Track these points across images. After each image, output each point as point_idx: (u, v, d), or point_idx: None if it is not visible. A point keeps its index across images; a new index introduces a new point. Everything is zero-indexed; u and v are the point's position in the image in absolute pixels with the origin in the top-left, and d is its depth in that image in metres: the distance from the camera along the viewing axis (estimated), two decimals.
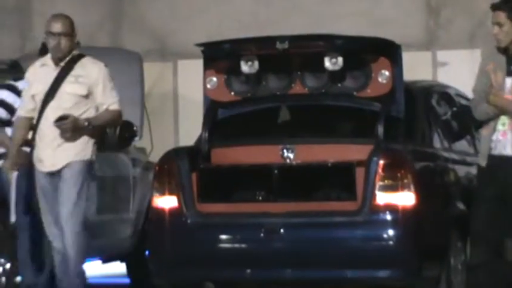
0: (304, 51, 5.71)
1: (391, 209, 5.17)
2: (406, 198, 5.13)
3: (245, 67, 5.60)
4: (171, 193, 5.61)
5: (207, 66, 5.83)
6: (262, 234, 5.37)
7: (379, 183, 5.13)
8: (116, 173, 7.28)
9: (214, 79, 5.83)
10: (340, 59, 5.39)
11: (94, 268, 7.80)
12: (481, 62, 5.39)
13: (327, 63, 5.43)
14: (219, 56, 5.95)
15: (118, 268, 7.74)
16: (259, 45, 5.85)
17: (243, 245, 5.61)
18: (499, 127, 5.04)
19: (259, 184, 5.61)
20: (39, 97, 5.69)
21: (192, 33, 10.12)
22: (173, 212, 5.56)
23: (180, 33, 10.70)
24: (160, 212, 5.68)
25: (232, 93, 5.84)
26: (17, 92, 6.47)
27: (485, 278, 5.20)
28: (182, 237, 5.59)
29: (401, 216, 5.19)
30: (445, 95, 6.44)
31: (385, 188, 5.16)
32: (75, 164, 5.61)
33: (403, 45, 5.74)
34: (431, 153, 5.79)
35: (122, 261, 7.50)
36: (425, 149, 5.74)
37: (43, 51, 6.11)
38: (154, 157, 6.83)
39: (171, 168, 5.68)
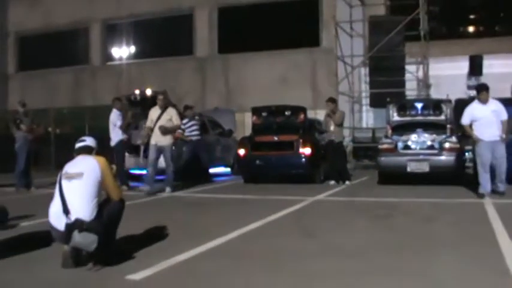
0: (280, 109, 13.00)
1: (304, 153, 11.97)
2: (308, 150, 12.01)
3: (263, 113, 13.06)
4: (243, 148, 12.55)
5: (253, 113, 13.05)
6: (268, 160, 12.19)
7: (300, 145, 11.99)
8: (227, 143, 14.80)
9: (255, 117, 13.03)
10: (289, 112, 12.92)
11: (221, 169, 15.21)
12: (324, 115, 12.46)
13: (286, 112, 12.95)
14: (256, 111, 13.07)
15: (227, 169, 15.18)
16: (268, 108, 13.11)
17: (263, 163, 12.10)
18: (330, 130, 12.35)
19: (267, 146, 12.24)
20: (154, 119, 9.81)
21: (247, 98, 17.23)
22: (244, 154, 12.50)
23: (246, 100, 17.64)
24: (240, 154, 12.66)
25: (260, 120, 12.98)
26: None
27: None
28: (247, 161, 12.45)
29: (307, 155, 11.96)
30: (318, 122, 13.45)
31: (302, 147, 11.98)
32: (168, 145, 9.80)
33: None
34: (315, 138, 12.94)
35: (228, 167, 14.69)
36: (314, 136, 12.82)
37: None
38: (238, 137, 14.40)
39: (243, 142, 12.78)
